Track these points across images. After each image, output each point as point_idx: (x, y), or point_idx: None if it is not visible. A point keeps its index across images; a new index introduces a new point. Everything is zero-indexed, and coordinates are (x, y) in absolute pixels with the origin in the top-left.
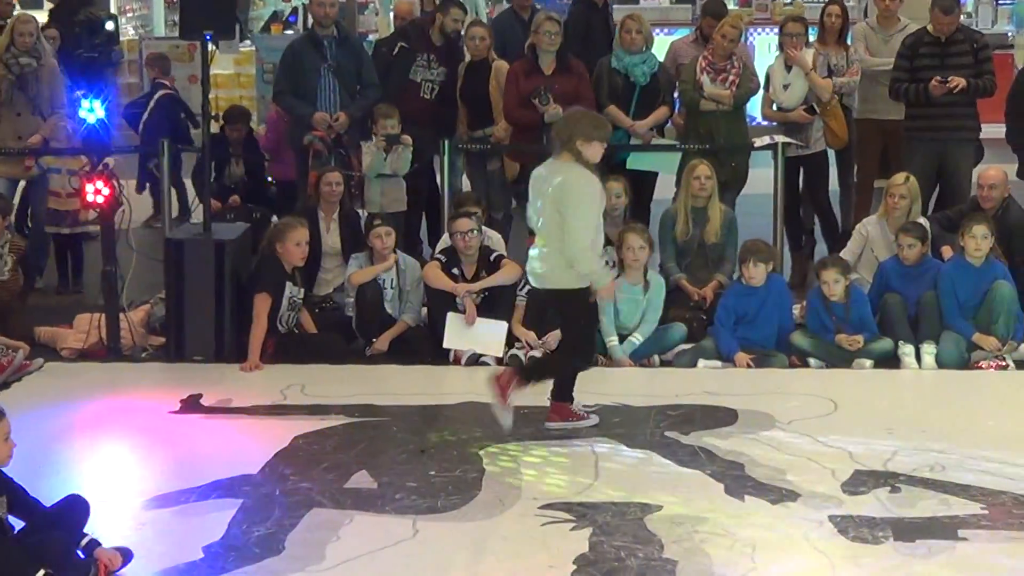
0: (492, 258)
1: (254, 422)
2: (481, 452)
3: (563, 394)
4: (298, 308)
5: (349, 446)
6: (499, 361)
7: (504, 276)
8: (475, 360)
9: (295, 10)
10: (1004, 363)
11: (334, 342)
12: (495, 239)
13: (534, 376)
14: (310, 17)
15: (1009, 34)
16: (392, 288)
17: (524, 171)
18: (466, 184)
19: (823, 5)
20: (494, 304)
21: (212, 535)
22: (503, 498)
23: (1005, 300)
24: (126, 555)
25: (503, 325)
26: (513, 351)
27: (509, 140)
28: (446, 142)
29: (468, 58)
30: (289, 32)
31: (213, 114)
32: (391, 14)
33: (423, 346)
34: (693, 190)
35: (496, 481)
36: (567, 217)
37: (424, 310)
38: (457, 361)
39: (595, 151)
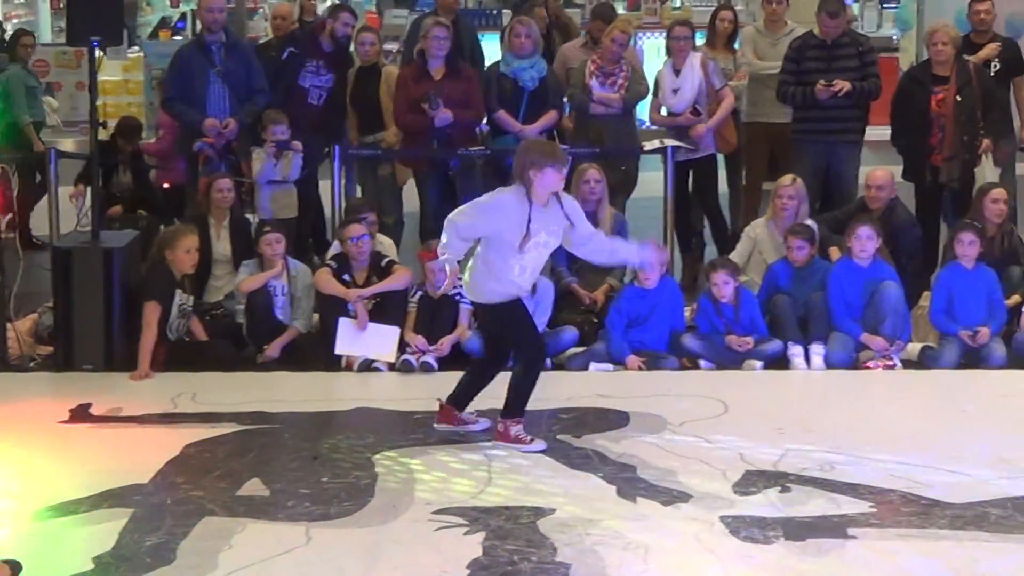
0: (383, 264)
1: (145, 431)
2: (374, 458)
3: (459, 401)
4: (188, 315)
5: (241, 454)
6: (391, 367)
7: (395, 281)
8: (367, 366)
9: (183, 16)
10: (892, 363)
11: (225, 349)
12: (386, 244)
13: (516, 406)
14: (199, 23)
15: (894, 38)
16: (283, 295)
17: (415, 176)
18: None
19: (714, 10)
20: (385, 310)
21: (103, 545)
22: (396, 504)
23: (892, 300)
24: (15, 567)
25: (395, 330)
26: (405, 356)
27: (400, 145)
28: (335, 148)
29: (358, 63)
30: (178, 38)
31: (101, 121)
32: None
33: (315, 352)
34: (583, 194)
35: (389, 487)
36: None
37: (315, 316)
38: (349, 367)
39: (550, 178)
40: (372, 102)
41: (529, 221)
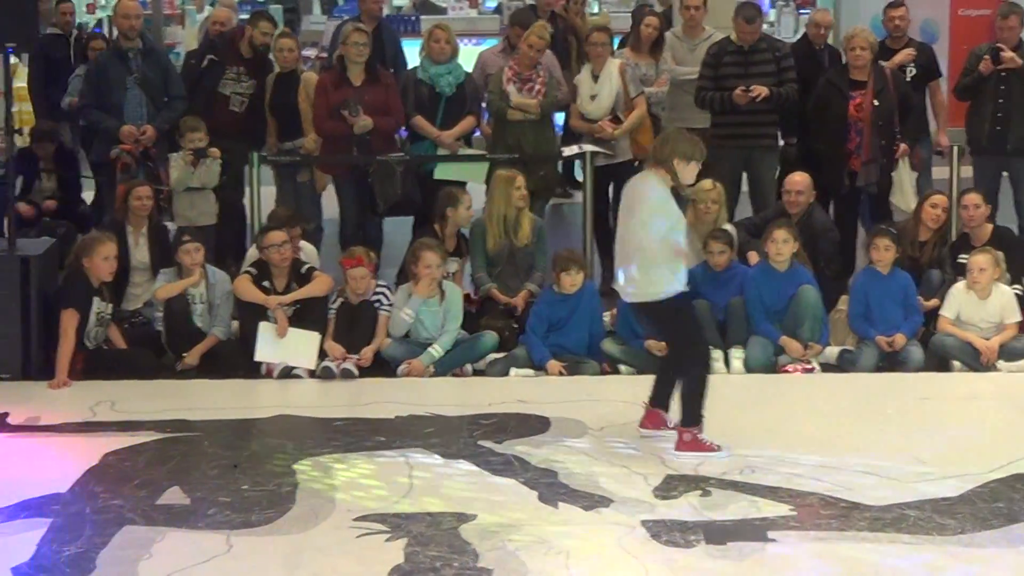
0: (303, 270)
1: (63, 440)
2: (295, 465)
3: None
4: (107, 323)
5: (161, 462)
6: (311, 374)
7: (315, 289)
8: (287, 373)
9: (100, 23)
10: (810, 366)
11: (144, 357)
12: (307, 251)
13: (692, 412)
14: (115, 29)
15: None
16: (201, 302)
17: (335, 182)
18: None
19: (639, 15)
20: (305, 317)
21: (21, 556)
22: (318, 511)
23: (810, 304)
24: None
25: (316, 336)
26: (325, 363)
27: (319, 152)
28: (255, 154)
29: (276, 69)
30: None
31: (17, 128)
32: (197, 25)
33: (234, 360)
34: (514, 200)
35: (310, 494)
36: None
37: (235, 324)
38: (269, 374)
39: (691, 171)
40: (291, 108)
41: None
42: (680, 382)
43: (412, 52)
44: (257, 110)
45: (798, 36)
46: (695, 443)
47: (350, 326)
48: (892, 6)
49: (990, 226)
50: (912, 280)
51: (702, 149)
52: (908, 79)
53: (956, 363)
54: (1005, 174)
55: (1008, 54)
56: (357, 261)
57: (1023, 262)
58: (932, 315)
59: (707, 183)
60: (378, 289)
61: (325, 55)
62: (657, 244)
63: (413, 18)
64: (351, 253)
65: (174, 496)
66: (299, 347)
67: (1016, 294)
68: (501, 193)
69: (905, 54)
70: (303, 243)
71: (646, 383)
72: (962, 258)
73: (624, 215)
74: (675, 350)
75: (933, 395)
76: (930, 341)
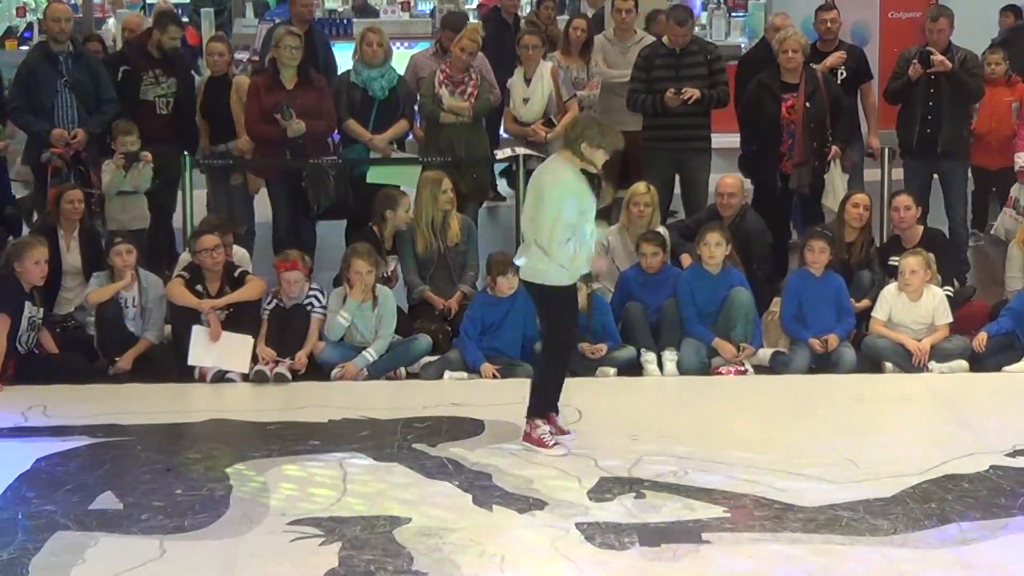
0: (236, 274)
1: None
2: (228, 470)
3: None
4: (38, 328)
5: (93, 467)
6: (244, 378)
7: (248, 292)
8: (220, 377)
9: (30, 25)
10: (743, 368)
11: (76, 362)
12: (240, 255)
13: (540, 404)
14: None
15: (742, 46)
16: (134, 306)
17: (267, 185)
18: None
19: (567, 19)
20: (239, 320)
21: None
22: (251, 515)
23: (742, 306)
24: None
25: (249, 339)
26: (258, 367)
27: (252, 154)
28: (187, 158)
29: (208, 73)
30: (24, 48)
31: None
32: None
33: (167, 364)
34: (441, 202)
35: (244, 498)
36: (540, 209)
37: (168, 328)
38: (202, 378)
39: (599, 158)
40: (223, 112)
41: None
42: (536, 371)
43: (346, 55)
44: (183, 109)
45: (729, 39)
46: (532, 435)
47: (282, 329)
48: (823, 8)
49: (921, 228)
50: (844, 282)
51: (614, 140)
52: (839, 82)
53: (888, 364)
54: (936, 176)
55: (937, 58)
56: (292, 264)
57: (953, 264)
58: (864, 316)
59: (640, 186)
60: (311, 292)
61: (257, 58)
62: (561, 230)
63: (346, 21)
64: (285, 256)
65: (107, 501)
66: (232, 351)
67: (948, 295)
68: (428, 196)
69: (836, 57)
70: (236, 247)
71: (581, 386)
72: (893, 260)
73: (532, 196)
74: (545, 337)
75: (865, 396)
76: (862, 343)
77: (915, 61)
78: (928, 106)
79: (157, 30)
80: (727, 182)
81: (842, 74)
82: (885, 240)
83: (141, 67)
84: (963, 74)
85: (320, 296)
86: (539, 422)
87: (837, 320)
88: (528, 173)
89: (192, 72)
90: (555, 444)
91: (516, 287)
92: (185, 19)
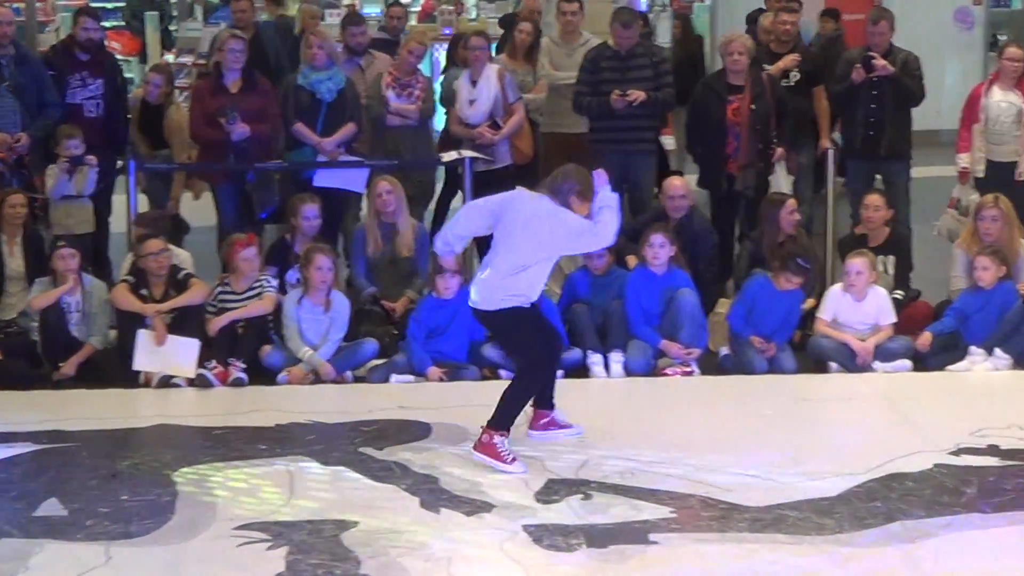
0: (180, 277)
1: None
2: (174, 475)
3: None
4: None
5: (38, 473)
6: (190, 382)
7: (193, 296)
8: (166, 382)
9: None
10: (690, 369)
11: (19, 368)
12: (184, 258)
13: (504, 417)
14: None
15: None
16: (77, 311)
17: (212, 189)
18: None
19: (508, 21)
20: (184, 324)
21: None
22: (198, 520)
23: (688, 308)
24: None
25: (195, 343)
26: (202, 371)
27: (196, 159)
28: (131, 163)
29: (141, 95)
30: None
31: None
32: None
33: (112, 369)
34: (376, 206)
35: (190, 503)
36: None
37: (112, 332)
38: (148, 383)
39: (584, 211)
40: (159, 128)
41: None
42: (512, 384)
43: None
44: (113, 109)
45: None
46: (491, 448)
47: (231, 335)
48: (787, 11)
49: (888, 229)
50: (801, 297)
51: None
52: (793, 84)
53: (833, 364)
54: (878, 176)
55: (880, 62)
56: (249, 240)
57: (908, 266)
58: (809, 316)
59: None
60: (260, 278)
61: (203, 62)
62: (533, 268)
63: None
64: (241, 235)
65: (52, 508)
66: (178, 355)
67: (895, 298)
68: (371, 199)
69: (790, 59)
70: (179, 250)
71: None
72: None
73: (515, 226)
74: (515, 359)
75: (811, 396)
76: (807, 343)
77: (858, 65)
78: (870, 108)
79: (74, 26)
80: (674, 184)
81: (795, 77)
82: (830, 239)
83: (67, 70)
84: (905, 78)
85: (271, 279)
86: (499, 435)
87: (781, 327)
88: (474, 175)
89: (123, 75)
90: (513, 460)
91: (455, 289)
92: (122, 23)
